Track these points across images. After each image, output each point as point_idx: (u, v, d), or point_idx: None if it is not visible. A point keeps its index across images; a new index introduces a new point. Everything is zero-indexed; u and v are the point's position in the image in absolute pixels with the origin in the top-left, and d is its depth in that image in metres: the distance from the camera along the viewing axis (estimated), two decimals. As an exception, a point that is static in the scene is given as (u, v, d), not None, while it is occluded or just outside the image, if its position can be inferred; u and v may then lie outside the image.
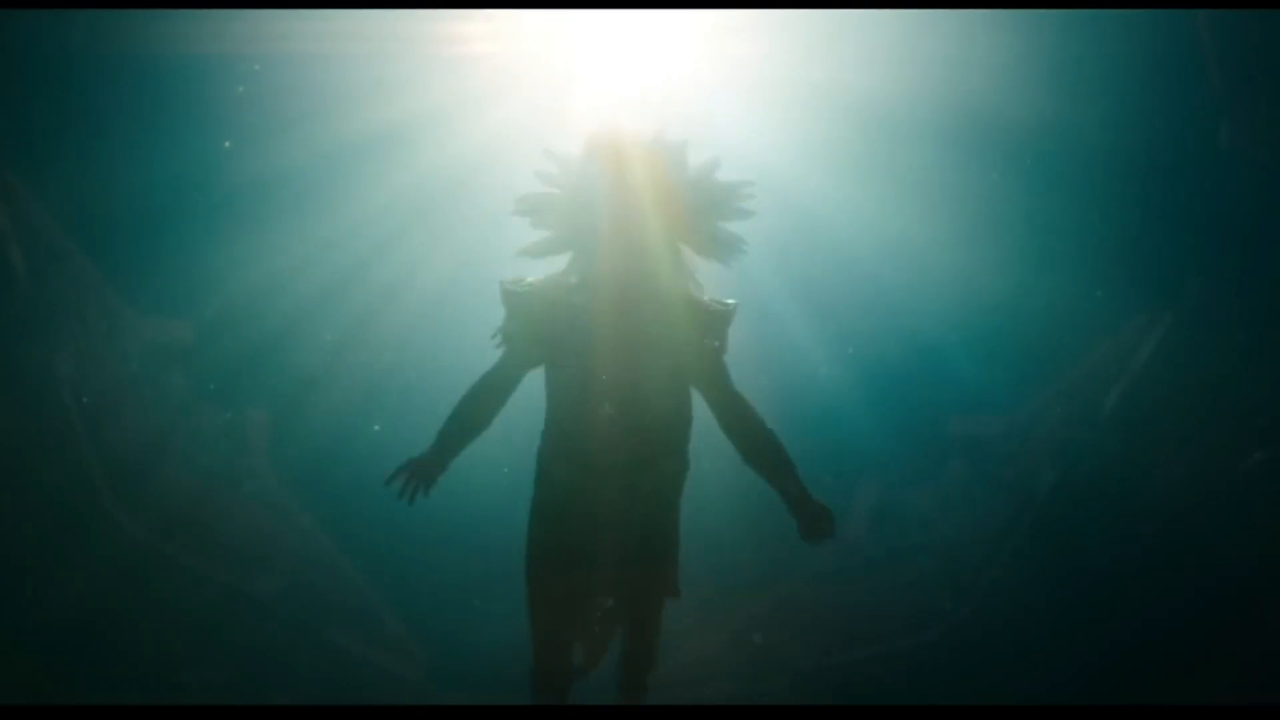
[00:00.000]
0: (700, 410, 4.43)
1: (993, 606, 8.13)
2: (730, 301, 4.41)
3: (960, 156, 8.01)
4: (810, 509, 4.20)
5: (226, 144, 7.99)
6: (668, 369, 4.27)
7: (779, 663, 8.65)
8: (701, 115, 8.03)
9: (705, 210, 4.44)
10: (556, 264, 4.44)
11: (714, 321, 4.35)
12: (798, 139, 8.08)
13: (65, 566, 7.69)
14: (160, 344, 8.38)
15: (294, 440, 8.63)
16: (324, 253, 8.29)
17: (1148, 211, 7.97)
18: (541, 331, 4.27)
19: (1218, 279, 7.91)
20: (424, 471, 4.29)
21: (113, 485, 8.02)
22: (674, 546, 4.43)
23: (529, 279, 4.39)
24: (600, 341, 4.25)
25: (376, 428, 8.57)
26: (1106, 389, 8.36)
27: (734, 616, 8.36)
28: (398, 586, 8.34)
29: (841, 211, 8.22)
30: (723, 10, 7.80)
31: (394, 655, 8.61)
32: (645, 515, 4.28)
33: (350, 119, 7.92)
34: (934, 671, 8.18)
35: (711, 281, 4.45)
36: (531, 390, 4.38)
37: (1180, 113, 7.74)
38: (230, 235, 8.12)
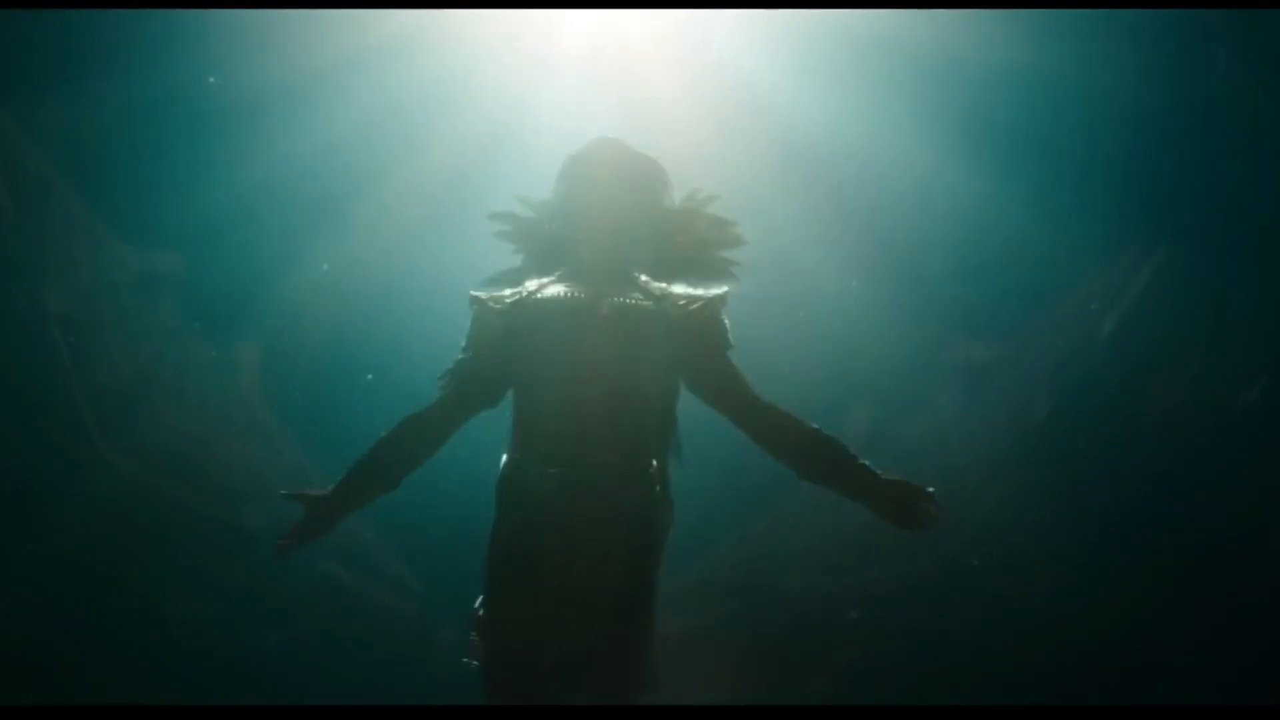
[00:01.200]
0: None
1: (987, 535, 8.12)
2: (718, 290, 4.13)
3: (959, 84, 7.92)
4: (895, 495, 3.89)
5: (210, 79, 7.87)
6: (659, 368, 3.95)
7: (768, 588, 8.66)
8: (695, 30, 7.93)
9: (693, 240, 4.28)
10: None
11: (704, 311, 4.02)
12: (799, 68, 7.99)
13: (54, 503, 7.67)
14: (149, 275, 8.27)
15: (286, 372, 8.56)
16: (317, 178, 8.15)
17: (1145, 139, 7.88)
18: (517, 348, 3.95)
19: (1216, 208, 7.85)
20: (310, 530, 4.01)
21: (101, 421, 7.97)
22: (652, 614, 3.90)
23: (501, 292, 4.13)
24: (586, 342, 3.87)
25: (370, 376, 8.50)
26: (1103, 317, 8.32)
27: (725, 542, 8.36)
28: (392, 519, 8.30)
29: (844, 139, 8.11)
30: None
31: (389, 588, 8.60)
32: (627, 544, 3.81)
33: (343, 34, 7.77)
34: (926, 599, 8.18)
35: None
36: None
37: (1178, 42, 7.65)
38: (221, 162, 8.00)
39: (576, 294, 3.98)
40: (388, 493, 4.11)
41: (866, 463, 3.93)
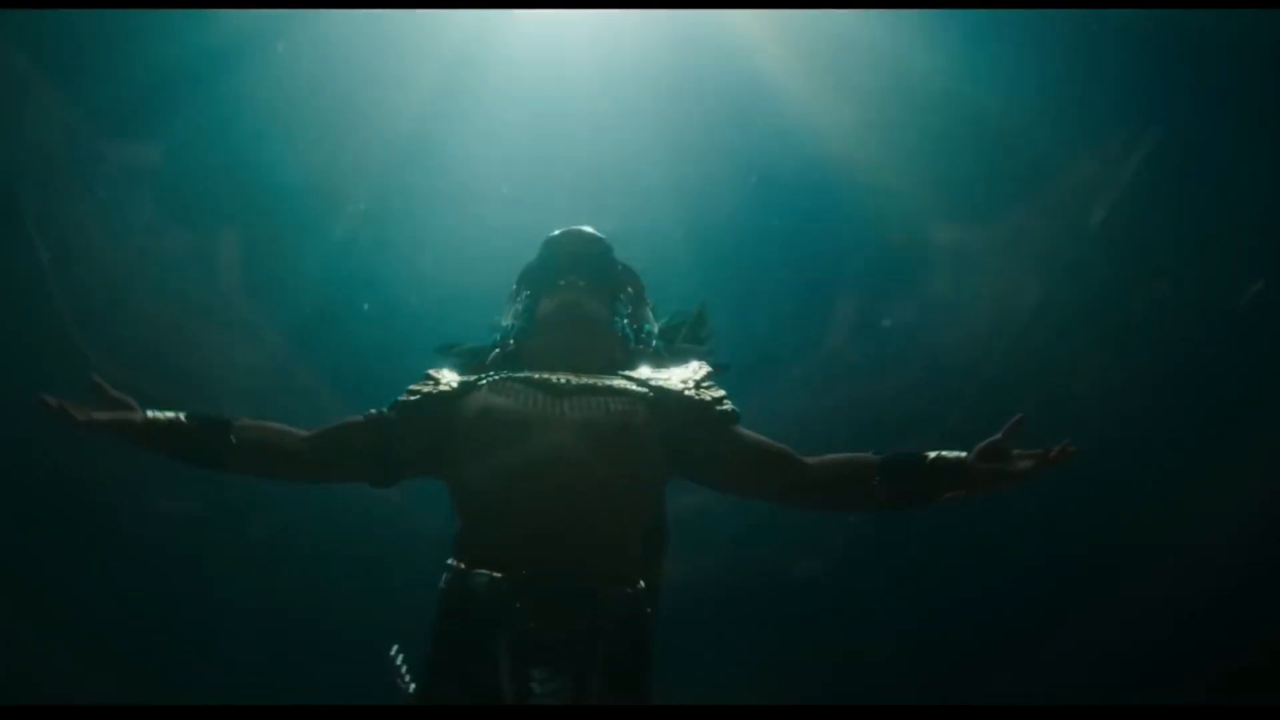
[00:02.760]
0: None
1: (980, 416, 8.09)
2: (700, 364, 3.70)
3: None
4: (990, 460, 3.26)
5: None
6: (645, 459, 3.37)
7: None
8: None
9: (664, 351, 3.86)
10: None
11: (695, 388, 3.54)
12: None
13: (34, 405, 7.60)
14: (128, 168, 8.12)
15: (269, 266, 8.47)
16: (307, 62, 7.93)
17: (1140, 21, 7.73)
18: (455, 431, 3.43)
19: (1212, 95, 7.74)
20: (82, 422, 3.26)
21: (81, 319, 7.89)
22: None
23: (448, 373, 3.68)
24: (552, 427, 3.28)
25: (366, 306, 8.43)
26: (1093, 203, 8.24)
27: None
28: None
29: (829, 24, 7.93)
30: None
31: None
32: (607, 676, 3.04)
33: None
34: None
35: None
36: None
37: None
38: (201, 48, 7.76)
39: (542, 378, 3.47)
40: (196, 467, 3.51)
41: (936, 453, 3.37)
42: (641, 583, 3.25)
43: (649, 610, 3.24)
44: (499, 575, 3.08)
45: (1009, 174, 8.18)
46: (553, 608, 3.04)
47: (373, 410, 3.61)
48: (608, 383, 3.48)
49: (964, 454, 3.31)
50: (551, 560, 3.10)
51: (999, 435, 3.28)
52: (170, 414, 3.44)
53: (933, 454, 3.35)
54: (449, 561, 3.26)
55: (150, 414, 3.40)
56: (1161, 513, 7.98)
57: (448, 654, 3.13)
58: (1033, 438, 3.28)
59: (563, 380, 3.44)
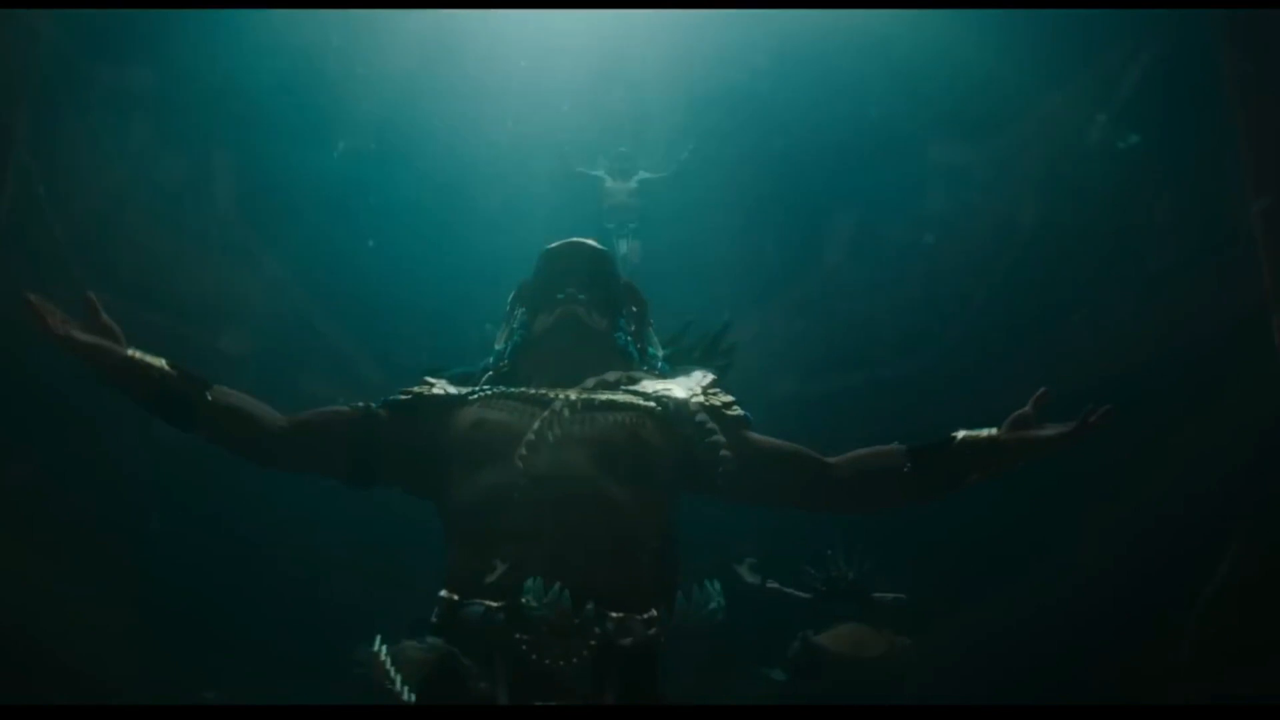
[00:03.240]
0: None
1: (980, 332, 8.10)
2: (700, 373, 3.50)
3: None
4: (1020, 427, 3.13)
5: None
6: (654, 474, 3.14)
7: (758, 390, 8.67)
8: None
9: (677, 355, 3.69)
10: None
11: (703, 396, 3.34)
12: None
13: (29, 335, 7.57)
14: (121, 91, 8.04)
15: (264, 189, 8.42)
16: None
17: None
18: (442, 446, 3.23)
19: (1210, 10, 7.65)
20: (72, 344, 2.96)
21: (77, 247, 7.84)
22: None
23: (437, 383, 3.45)
24: (552, 442, 3.06)
25: (370, 242, 8.34)
26: (1092, 120, 8.20)
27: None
28: (371, 333, 8.25)
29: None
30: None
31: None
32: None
33: None
34: (920, 398, 8.16)
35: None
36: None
37: None
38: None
39: (539, 392, 3.26)
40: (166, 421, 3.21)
41: (964, 431, 3.24)
42: (653, 610, 2.96)
43: (662, 640, 2.95)
44: (495, 605, 2.86)
45: (1008, 92, 8.13)
46: (555, 640, 2.81)
47: (361, 403, 3.38)
48: (611, 396, 3.27)
49: (994, 430, 3.18)
50: (553, 586, 2.84)
51: (1026, 408, 3.16)
52: (153, 358, 3.13)
53: (961, 433, 3.23)
54: (440, 594, 3.02)
55: (132, 351, 3.09)
56: (1163, 442, 7.97)
57: (441, 690, 2.86)
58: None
59: (563, 395, 3.23)
